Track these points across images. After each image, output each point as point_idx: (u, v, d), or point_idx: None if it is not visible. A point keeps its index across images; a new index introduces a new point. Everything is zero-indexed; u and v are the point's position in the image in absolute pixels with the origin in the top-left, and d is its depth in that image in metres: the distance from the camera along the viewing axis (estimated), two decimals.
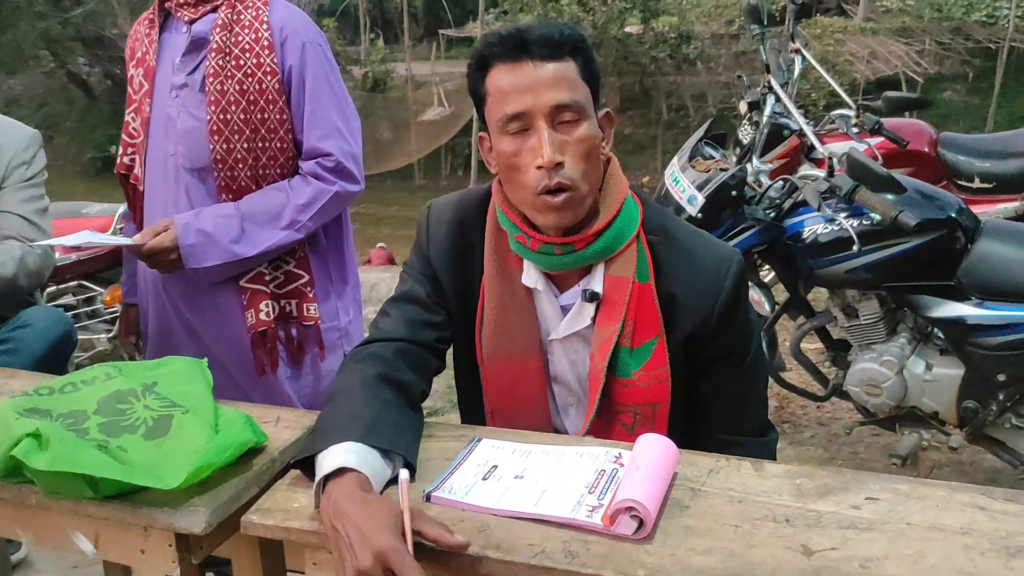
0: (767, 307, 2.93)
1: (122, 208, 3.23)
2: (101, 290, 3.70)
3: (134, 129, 1.97)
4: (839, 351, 2.94)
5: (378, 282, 6.01)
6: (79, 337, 3.68)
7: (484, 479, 1.21)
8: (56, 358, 1.98)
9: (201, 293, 1.92)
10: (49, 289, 3.63)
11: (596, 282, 1.39)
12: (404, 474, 1.12)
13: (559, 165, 1.28)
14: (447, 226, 1.47)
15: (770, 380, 3.12)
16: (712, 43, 14.00)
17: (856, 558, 1.02)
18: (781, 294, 3.09)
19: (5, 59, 17.40)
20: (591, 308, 1.40)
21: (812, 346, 3.49)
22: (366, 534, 1.03)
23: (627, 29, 13.63)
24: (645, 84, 14.32)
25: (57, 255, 3.55)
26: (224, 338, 1.95)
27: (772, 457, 1.49)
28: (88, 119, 18.44)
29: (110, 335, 3.74)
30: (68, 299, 3.72)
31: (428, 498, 1.17)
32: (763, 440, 1.50)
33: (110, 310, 3.76)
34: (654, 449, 1.18)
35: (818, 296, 3.24)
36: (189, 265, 1.83)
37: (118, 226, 3.52)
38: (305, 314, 1.98)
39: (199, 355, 1.95)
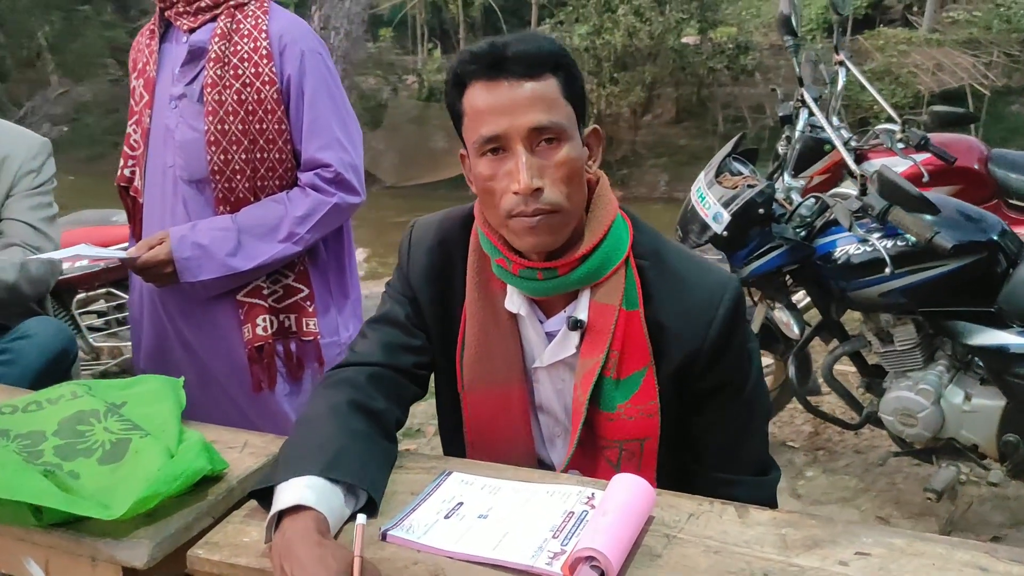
0: (795, 330, 2.81)
1: None
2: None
3: (135, 141, 1.95)
4: (874, 377, 2.80)
5: None
6: (108, 344, 3.73)
7: (447, 517, 1.14)
8: (55, 370, 1.96)
9: (197, 307, 1.89)
10: (79, 296, 3.66)
11: (581, 309, 1.31)
12: (361, 519, 1.05)
13: (537, 191, 1.20)
14: (428, 245, 1.40)
15: (800, 406, 2.99)
16: (771, 54, 13.77)
17: None
18: (815, 316, 2.96)
19: (74, 67, 17.88)
20: (576, 336, 1.32)
21: (848, 368, 3.36)
22: None
23: (684, 40, 13.46)
24: (702, 95, 14.12)
25: (86, 262, 3.61)
26: (221, 353, 1.91)
27: (771, 497, 1.39)
28: None
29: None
30: (99, 305, 3.75)
31: (384, 536, 1.10)
32: (762, 480, 1.40)
33: None
34: (627, 492, 1.10)
35: (852, 319, 3.11)
36: (184, 279, 1.80)
37: None
38: (305, 329, 1.94)
39: (195, 370, 1.93)
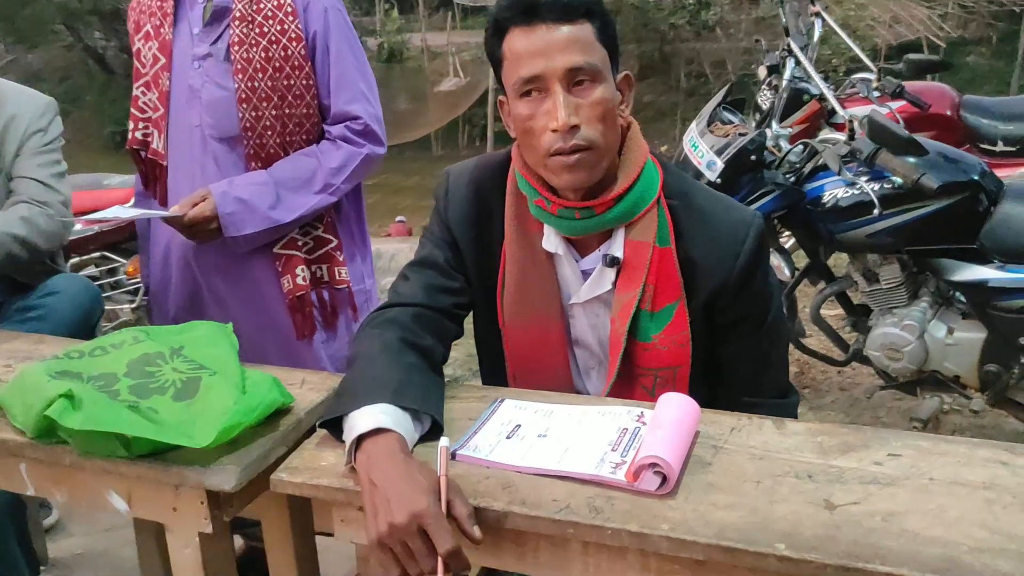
0: (787, 272, 2.93)
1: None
2: (123, 261, 3.73)
3: (145, 103, 1.98)
4: (860, 316, 2.94)
5: (396, 252, 6.04)
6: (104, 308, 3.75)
7: (508, 438, 1.22)
8: (84, 325, 2.00)
9: (233, 263, 1.94)
10: (72, 261, 3.66)
11: (617, 247, 1.39)
12: (444, 441, 1.13)
13: (574, 128, 1.27)
14: (465, 191, 1.47)
15: (790, 345, 3.12)
16: (731, 9, 13.81)
17: (878, 512, 1.03)
18: (802, 260, 3.08)
19: (26, 33, 17.43)
20: (612, 273, 1.40)
21: (832, 312, 3.49)
22: (405, 493, 1.05)
23: None
24: (664, 51, 14.17)
25: (79, 227, 3.61)
26: (253, 307, 1.97)
27: (793, 418, 1.50)
28: (108, 93, 18.47)
29: (133, 305, 3.78)
30: (91, 270, 3.75)
31: (454, 456, 1.18)
32: (784, 402, 1.51)
33: (132, 281, 3.79)
34: (676, 407, 1.20)
35: (838, 262, 3.23)
36: (228, 233, 1.85)
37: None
38: (337, 278, 2.01)
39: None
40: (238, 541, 2.28)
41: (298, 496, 1.19)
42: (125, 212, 1.86)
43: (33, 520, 2.47)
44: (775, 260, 2.91)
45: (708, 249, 1.38)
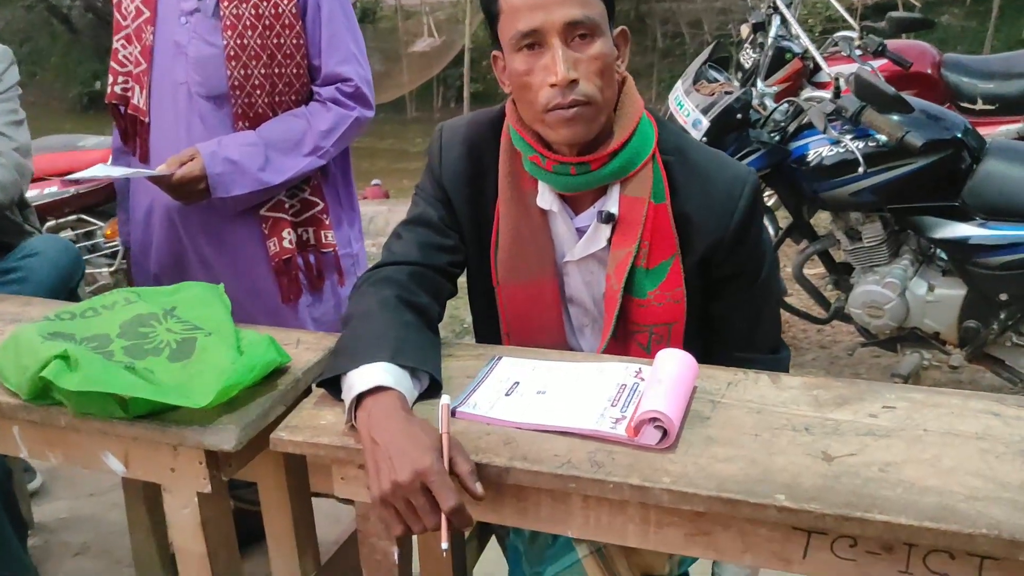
0: (771, 231, 2.94)
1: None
2: (100, 224, 3.67)
3: (125, 57, 1.94)
4: (841, 274, 2.96)
5: (375, 215, 6.01)
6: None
7: (507, 395, 1.23)
8: (65, 287, 1.97)
9: (219, 225, 1.92)
10: (48, 224, 3.60)
11: (612, 203, 1.39)
12: (445, 399, 1.14)
13: (573, 83, 1.26)
14: (459, 148, 1.46)
15: None
16: None
17: (875, 463, 1.05)
18: (784, 219, 3.10)
19: None
20: (607, 229, 1.40)
21: (814, 271, 3.52)
22: (408, 451, 1.05)
23: None
24: (640, 11, 14.09)
25: (55, 189, 3.55)
26: (239, 270, 1.95)
27: (785, 372, 1.51)
28: (72, 54, 18.10)
29: (111, 269, 3.73)
30: (68, 234, 3.69)
31: (453, 413, 1.19)
32: (776, 357, 1.52)
33: (110, 244, 3.74)
34: (674, 363, 1.20)
35: (821, 221, 3.25)
36: (217, 194, 1.82)
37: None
38: (323, 241, 1.99)
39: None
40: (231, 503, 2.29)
41: (295, 457, 1.19)
42: (109, 171, 1.82)
43: (19, 484, 2.46)
44: None
45: (703, 205, 1.38)
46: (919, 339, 2.80)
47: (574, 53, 1.27)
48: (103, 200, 3.65)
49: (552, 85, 1.26)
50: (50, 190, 3.51)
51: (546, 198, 1.41)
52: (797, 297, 3.46)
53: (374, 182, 8.99)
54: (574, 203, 1.43)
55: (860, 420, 1.14)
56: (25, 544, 2.01)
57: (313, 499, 1.51)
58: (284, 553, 1.46)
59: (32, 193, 3.52)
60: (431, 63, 14.91)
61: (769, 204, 3.18)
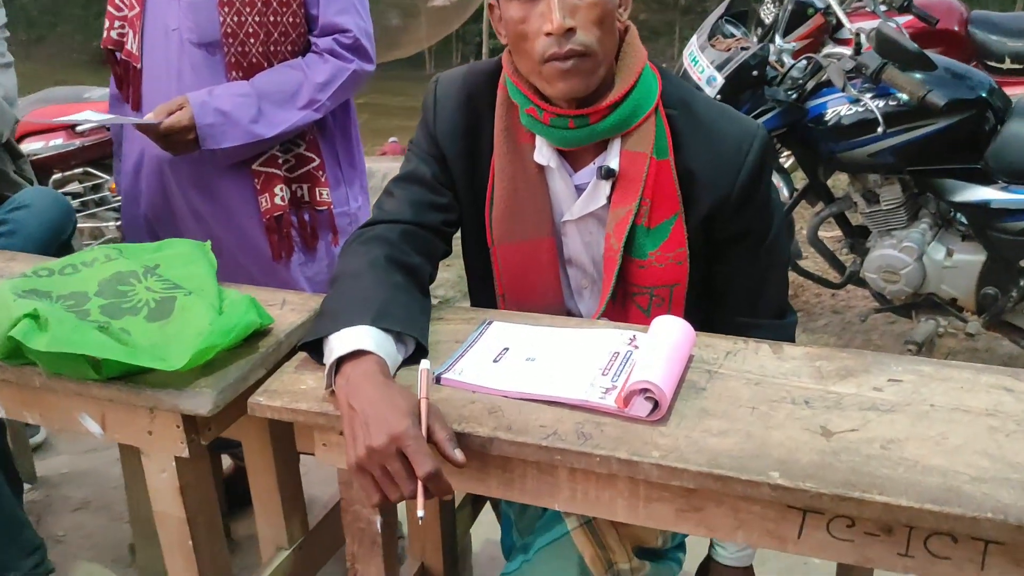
0: (786, 193, 2.86)
1: None
2: (107, 177, 3.63)
3: (121, 1, 1.88)
4: (857, 238, 2.88)
5: (389, 171, 5.93)
6: (88, 225, 3.68)
7: (495, 361, 1.18)
8: (56, 240, 1.93)
9: (210, 178, 1.86)
10: (55, 177, 3.57)
11: (612, 158, 1.32)
12: (425, 364, 1.09)
13: (570, 31, 1.20)
14: (455, 101, 1.39)
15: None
16: None
17: (877, 439, 1.00)
18: (800, 180, 3.01)
19: None
20: (606, 187, 1.34)
21: (829, 234, 3.44)
22: (384, 415, 1.01)
23: None
24: None
25: (61, 141, 3.51)
26: (233, 224, 1.90)
27: (791, 339, 1.45)
28: (92, 6, 17.97)
29: (119, 223, 3.70)
30: (74, 186, 3.67)
31: (438, 380, 1.14)
32: (781, 323, 1.46)
33: (117, 197, 3.71)
34: (670, 331, 1.15)
35: (838, 183, 3.17)
36: (206, 146, 1.77)
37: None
38: (318, 198, 1.93)
39: (205, 241, 1.93)
40: (227, 461, 2.27)
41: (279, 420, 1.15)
42: (96, 117, 1.76)
43: (21, 439, 2.45)
44: (774, 180, 2.84)
45: (708, 161, 1.32)
46: (935, 305, 2.72)
47: (572, 0, 1.20)
48: (110, 153, 3.60)
49: (548, 34, 1.20)
50: (55, 142, 3.47)
51: (544, 153, 1.35)
52: (812, 260, 3.38)
53: (392, 139, 8.90)
54: (573, 159, 1.36)
55: (864, 394, 1.09)
56: (21, 498, 1.99)
57: (308, 458, 1.48)
58: (270, 517, 1.43)
59: (37, 145, 3.49)
60: (450, 18, 14.67)
61: (785, 165, 3.08)
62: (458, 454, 1.01)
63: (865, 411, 1.05)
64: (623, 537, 1.29)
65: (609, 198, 1.34)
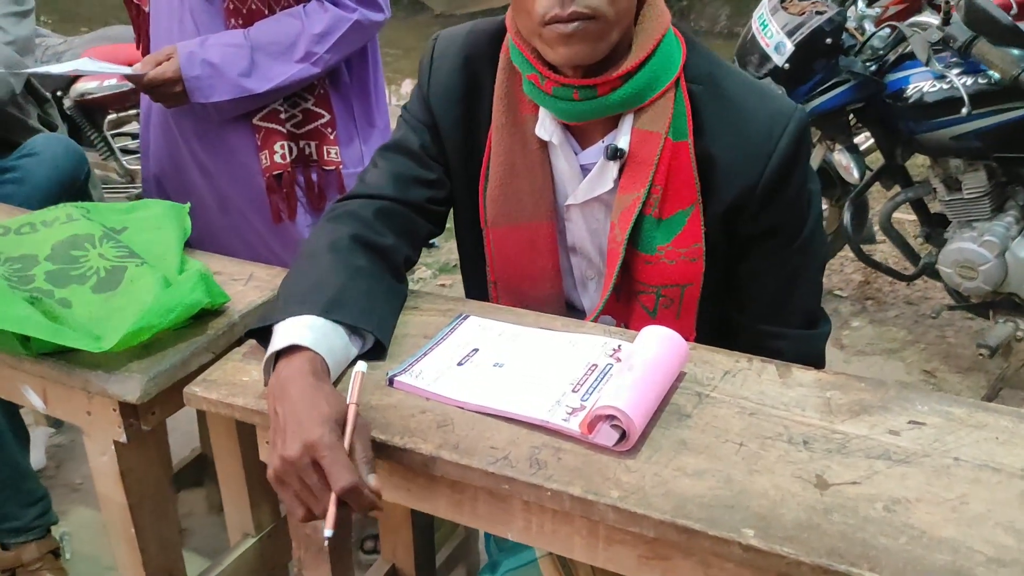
0: (855, 174, 2.63)
1: None
2: None
3: None
4: (935, 227, 2.64)
5: None
6: (139, 168, 3.65)
7: (460, 364, 1.05)
8: (68, 188, 1.86)
9: (212, 130, 1.76)
10: (110, 117, 3.53)
11: (622, 137, 1.16)
12: (360, 366, 0.97)
13: None
14: (452, 62, 1.25)
15: (852, 254, 2.86)
16: None
17: (880, 497, 0.84)
18: (875, 161, 2.77)
19: None
20: (614, 168, 1.18)
21: (906, 218, 3.18)
22: (302, 422, 0.89)
23: None
24: None
25: (115, 82, 3.47)
26: (239, 180, 1.80)
27: (820, 353, 1.28)
28: None
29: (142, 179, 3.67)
30: (132, 127, 3.63)
31: (391, 382, 1.02)
32: (811, 333, 1.28)
33: None
34: (657, 345, 1.00)
35: (917, 166, 2.91)
36: (195, 99, 1.67)
37: None
38: (326, 157, 1.81)
39: (215, 196, 1.84)
40: None
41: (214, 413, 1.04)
42: (89, 65, 1.68)
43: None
44: (843, 160, 2.61)
45: (734, 145, 1.15)
46: (1015, 307, 2.47)
47: None
48: None
49: None
50: (110, 82, 3.43)
51: (547, 127, 1.19)
52: (882, 248, 3.14)
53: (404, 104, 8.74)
54: (580, 135, 1.21)
55: (875, 437, 0.92)
56: (27, 449, 1.96)
57: None
58: (236, 504, 1.35)
59: (92, 85, 3.45)
60: None
61: (862, 146, 2.83)
62: (372, 480, 0.88)
63: (873, 459, 0.89)
64: (597, 571, 1.16)
65: (616, 181, 1.19)
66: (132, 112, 3.58)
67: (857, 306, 3.15)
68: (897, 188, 2.70)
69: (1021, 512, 0.82)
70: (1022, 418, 0.95)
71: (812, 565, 0.78)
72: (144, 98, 1.87)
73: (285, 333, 0.99)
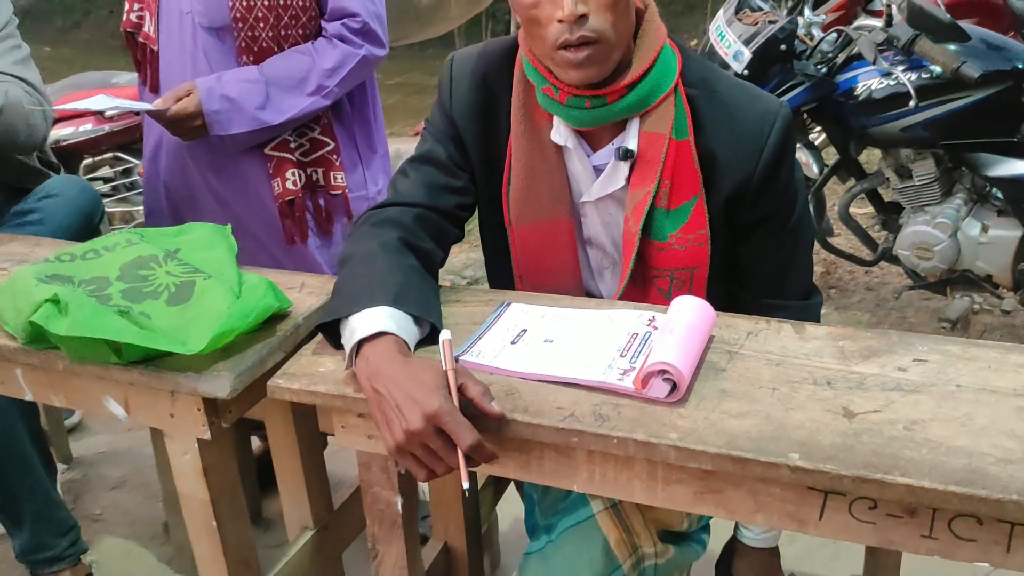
0: (815, 169, 2.81)
1: None
2: (137, 161, 3.64)
3: None
4: (890, 214, 2.83)
5: None
6: (119, 209, 3.71)
7: (513, 343, 1.17)
8: (85, 228, 1.94)
9: (226, 161, 1.87)
10: (85, 162, 3.59)
11: (630, 139, 1.30)
12: (445, 335, 1.09)
13: (582, 18, 1.17)
14: (471, 80, 1.38)
15: (816, 245, 3.04)
16: None
17: (900, 420, 0.98)
18: (831, 156, 2.96)
19: None
20: (625, 168, 1.32)
21: (862, 210, 3.38)
22: (415, 396, 1.01)
23: None
24: None
25: (90, 127, 3.54)
26: (253, 206, 1.91)
27: (816, 320, 1.43)
28: None
29: (144, 209, 3.73)
30: (105, 171, 3.69)
31: (456, 361, 1.14)
32: (807, 304, 1.43)
33: None
34: (690, 311, 1.13)
35: (870, 158, 3.11)
36: (214, 132, 1.77)
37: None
38: (332, 183, 1.93)
39: (229, 222, 1.93)
40: (256, 442, 2.29)
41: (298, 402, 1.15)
42: (111, 102, 1.77)
43: (56, 420, 2.50)
44: (803, 156, 2.80)
45: (730, 142, 1.29)
46: (970, 282, 2.67)
47: None
48: (139, 137, 3.63)
49: (560, 20, 1.17)
50: (85, 127, 3.49)
51: (561, 133, 1.33)
52: (844, 237, 3.33)
53: (427, 119, 8.88)
54: (591, 139, 1.34)
55: (887, 374, 1.07)
56: (55, 480, 2.03)
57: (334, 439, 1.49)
58: (295, 497, 1.44)
59: (67, 131, 3.51)
60: None
61: (816, 142, 3.03)
62: (495, 406, 1.02)
63: (888, 392, 1.03)
64: (648, 521, 1.29)
65: (628, 179, 1.32)
66: (106, 156, 3.65)
67: (820, 293, 3.33)
68: (853, 180, 2.89)
69: (1019, 422, 0.96)
70: (1008, 350, 1.10)
71: (852, 477, 0.91)
72: (151, 133, 1.96)
73: (366, 322, 1.11)
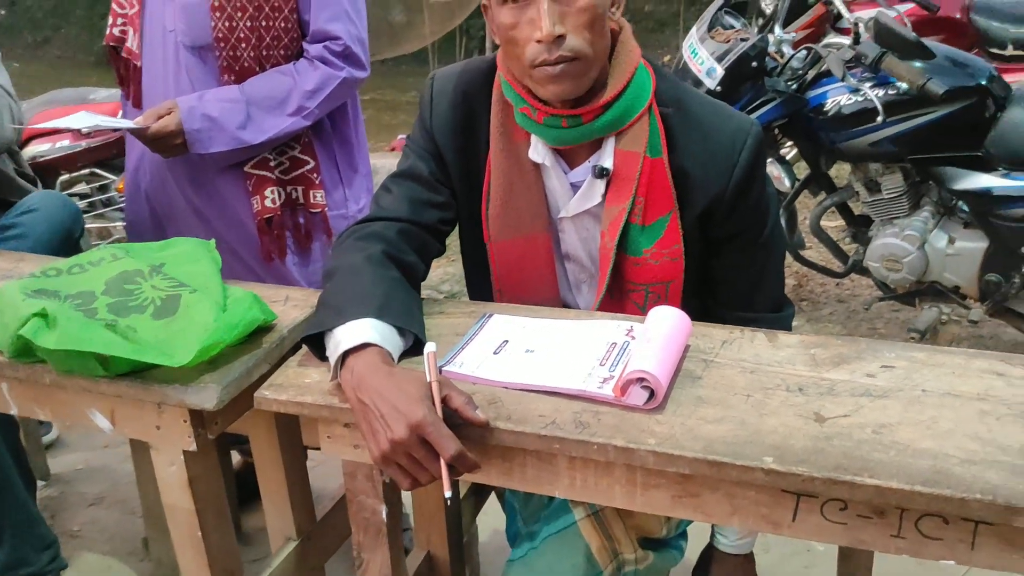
0: (787, 183, 2.87)
1: None
2: (114, 177, 3.65)
3: None
4: (860, 227, 2.90)
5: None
6: (96, 225, 3.71)
7: (495, 353, 1.20)
8: (65, 243, 1.95)
9: (206, 178, 1.89)
10: (62, 178, 3.59)
11: (606, 157, 1.34)
12: (430, 347, 1.12)
13: (560, 38, 1.21)
14: (451, 98, 1.41)
15: (788, 257, 3.09)
16: None
17: (869, 424, 1.02)
18: (802, 170, 3.02)
19: None
20: (601, 185, 1.35)
21: (832, 224, 3.45)
22: (399, 407, 1.03)
23: None
24: None
25: (67, 143, 3.54)
26: (232, 223, 1.93)
27: (788, 331, 1.47)
28: (97, 7, 18.00)
29: (126, 223, 3.73)
30: (81, 187, 3.69)
31: (439, 372, 1.16)
32: (778, 316, 1.47)
33: (124, 197, 3.74)
34: (667, 321, 1.17)
35: (840, 173, 3.17)
36: (195, 151, 1.79)
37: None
38: (312, 201, 1.95)
39: (208, 238, 1.95)
40: (236, 457, 2.30)
41: (285, 413, 1.17)
42: (93, 119, 1.79)
43: (33, 437, 2.49)
44: (775, 171, 2.86)
45: (702, 159, 1.33)
46: (938, 293, 2.73)
47: (561, 6, 1.20)
48: (116, 153, 3.63)
49: (538, 41, 1.21)
50: (62, 144, 3.50)
51: (539, 151, 1.36)
52: (815, 250, 3.40)
53: (400, 136, 8.95)
54: (568, 157, 1.38)
55: (856, 380, 1.11)
56: (34, 495, 2.03)
57: (315, 453, 1.50)
58: (278, 509, 1.46)
59: (44, 147, 3.51)
60: (453, 13, 14.63)
61: (787, 156, 3.09)
62: (479, 414, 1.04)
63: (858, 397, 1.07)
64: (629, 528, 1.32)
65: (604, 196, 1.36)
66: (83, 172, 3.64)
67: (792, 305, 3.40)
68: (823, 194, 2.96)
69: (981, 425, 1.00)
70: (971, 357, 1.15)
71: (823, 479, 0.95)
72: (133, 148, 1.98)
73: (350, 334, 1.13)
